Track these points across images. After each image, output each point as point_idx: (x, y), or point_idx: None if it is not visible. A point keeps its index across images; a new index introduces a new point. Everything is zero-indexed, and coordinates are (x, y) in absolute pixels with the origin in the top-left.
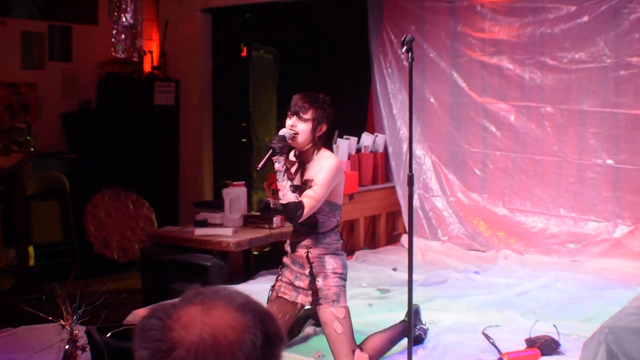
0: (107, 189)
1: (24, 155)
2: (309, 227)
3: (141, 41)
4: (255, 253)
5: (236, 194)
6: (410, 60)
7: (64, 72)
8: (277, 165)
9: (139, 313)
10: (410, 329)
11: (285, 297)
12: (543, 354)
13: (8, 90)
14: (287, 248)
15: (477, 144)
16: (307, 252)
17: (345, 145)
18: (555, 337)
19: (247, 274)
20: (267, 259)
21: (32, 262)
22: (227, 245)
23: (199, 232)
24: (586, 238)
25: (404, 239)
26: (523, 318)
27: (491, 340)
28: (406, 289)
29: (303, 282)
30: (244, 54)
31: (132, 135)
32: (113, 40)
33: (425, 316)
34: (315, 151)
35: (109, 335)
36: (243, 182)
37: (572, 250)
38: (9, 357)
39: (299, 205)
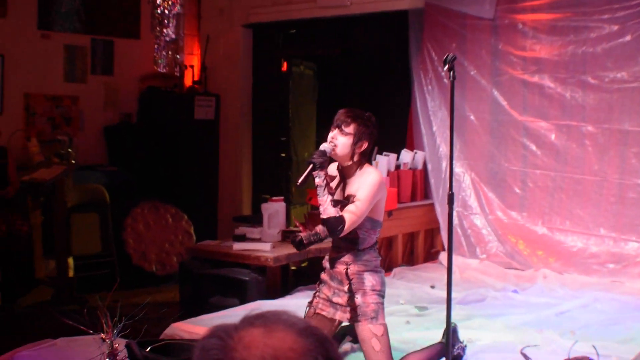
0: (146, 202)
1: (65, 168)
2: (349, 243)
3: (182, 56)
4: (293, 268)
5: (275, 209)
6: (452, 79)
7: (105, 85)
8: (317, 180)
9: (178, 327)
10: (449, 349)
11: (323, 313)
12: None
13: (50, 102)
14: (326, 264)
15: (517, 162)
16: (347, 268)
17: (384, 161)
18: (595, 358)
19: (285, 289)
20: (305, 274)
21: (71, 273)
22: (265, 260)
23: (238, 246)
24: (626, 258)
25: (442, 256)
26: (562, 338)
27: None
28: (444, 306)
29: (341, 299)
30: (284, 69)
31: (172, 148)
32: (155, 54)
33: (463, 335)
34: (358, 168)
35: (148, 349)
36: (282, 197)
37: (612, 271)
38: None
39: (340, 220)
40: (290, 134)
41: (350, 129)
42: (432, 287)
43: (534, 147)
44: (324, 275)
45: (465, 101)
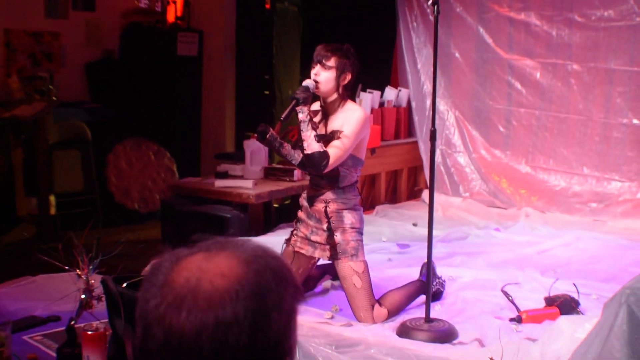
0: (129, 139)
1: (46, 104)
2: (329, 181)
3: None
4: (276, 205)
5: (257, 146)
6: (435, 14)
7: (87, 21)
8: (300, 116)
9: None
10: (429, 285)
11: (302, 251)
12: (562, 313)
13: (31, 39)
14: (303, 202)
15: (502, 101)
16: (326, 206)
17: (368, 99)
18: (575, 296)
19: (267, 226)
20: (288, 211)
21: (53, 211)
22: (247, 197)
23: (219, 183)
24: (609, 197)
25: (425, 194)
26: (543, 276)
27: (510, 298)
28: (426, 244)
29: (320, 237)
30: (268, 5)
31: (155, 85)
32: None
33: (444, 272)
34: (342, 102)
35: (124, 285)
36: None
37: (595, 210)
38: (27, 305)
39: (324, 154)
40: (274, 71)
41: (332, 62)
42: (415, 224)
43: (519, 86)
44: (301, 214)
45: (450, 39)
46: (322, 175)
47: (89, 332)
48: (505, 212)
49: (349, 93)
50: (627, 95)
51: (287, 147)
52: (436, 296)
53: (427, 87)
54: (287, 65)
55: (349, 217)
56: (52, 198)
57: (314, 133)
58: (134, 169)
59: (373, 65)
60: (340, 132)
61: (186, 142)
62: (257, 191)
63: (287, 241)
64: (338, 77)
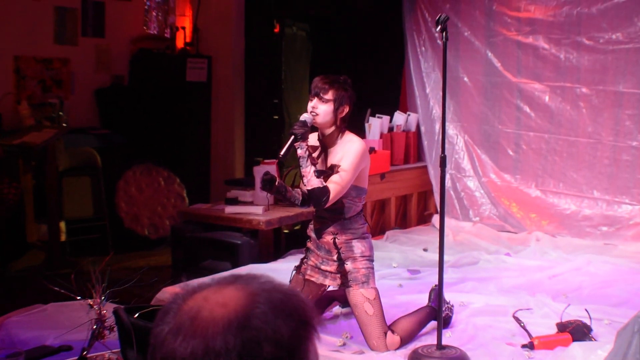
0: (138, 164)
1: (56, 131)
2: (334, 213)
3: (174, 17)
4: (286, 231)
5: None
6: (444, 40)
7: (96, 47)
8: (299, 151)
9: (169, 291)
10: (440, 312)
11: (312, 279)
12: (574, 339)
13: (41, 65)
14: (311, 234)
15: (511, 125)
16: (334, 238)
17: (377, 123)
18: (587, 321)
19: (277, 253)
20: (298, 237)
21: (63, 237)
22: (257, 224)
23: (230, 209)
24: (620, 221)
25: (435, 219)
26: (554, 302)
27: (522, 324)
28: (436, 269)
29: (330, 267)
30: (276, 30)
31: (164, 111)
32: (145, 16)
33: (455, 298)
34: (340, 135)
35: (136, 316)
36: (274, 160)
37: (605, 233)
38: (39, 333)
39: (325, 190)
40: (283, 96)
41: (330, 95)
42: (425, 250)
43: (527, 109)
44: (310, 244)
45: (458, 62)
46: (327, 208)
47: None
48: (516, 237)
49: (346, 125)
50: (636, 118)
51: (290, 190)
52: (446, 322)
53: (436, 111)
54: (296, 89)
55: (358, 247)
56: (62, 224)
57: (313, 168)
58: (143, 195)
59: (382, 90)
60: (339, 166)
61: (196, 167)
62: (267, 217)
63: (297, 268)
64: (336, 110)
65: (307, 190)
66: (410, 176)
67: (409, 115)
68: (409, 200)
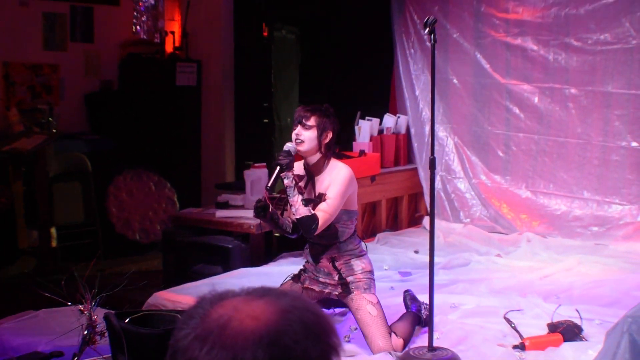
0: (129, 169)
1: (46, 137)
2: (329, 238)
3: (163, 22)
4: (277, 235)
5: (257, 176)
6: (432, 42)
7: (85, 52)
8: (286, 181)
9: (161, 295)
10: (432, 315)
11: (313, 287)
12: (565, 339)
13: (30, 71)
14: (308, 258)
15: (500, 126)
16: (332, 261)
17: (367, 126)
18: (578, 322)
19: (269, 256)
20: (289, 240)
21: (54, 243)
22: (248, 228)
23: (220, 214)
24: (610, 221)
25: (426, 221)
26: (545, 302)
27: (513, 325)
28: (428, 271)
29: (331, 281)
30: (265, 33)
31: (154, 116)
32: (134, 20)
33: (446, 299)
34: (326, 162)
35: (127, 321)
36: (265, 164)
37: (596, 234)
38: (30, 340)
39: (313, 218)
40: (273, 99)
41: (312, 121)
42: (416, 252)
43: (517, 110)
44: (308, 266)
45: (448, 64)
46: (321, 234)
47: None
48: (507, 238)
49: (332, 152)
50: (625, 118)
51: (282, 218)
52: (425, 322)
53: (426, 113)
54: (286, 93)
55: (358, 264)
56: (52, 230)
57: (300, 197)
58: (134, 199)
59: (371, 93)
60: (326, 195)
61: (186, 172)
62: (258, 221)
63: (296, 278)
64: (319, 136)
65: (296, 218)
66: (400, 178)
67: (398, 117)
68: (400, 203)
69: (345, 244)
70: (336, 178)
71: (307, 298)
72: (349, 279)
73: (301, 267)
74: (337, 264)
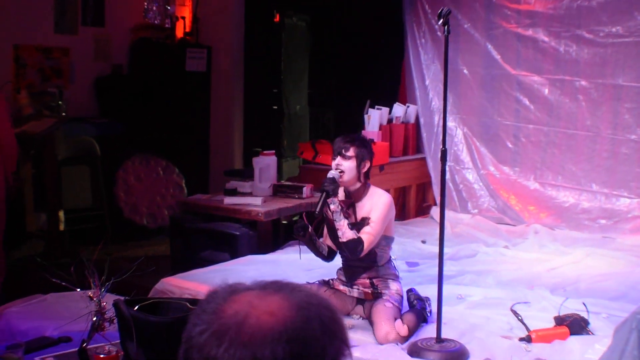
0: (137, 154)
1: (55, 120)
2: (368, 262)
3: (174, 7)
4: (285, 222)
5: (266, 163)
6: (446, 33)
7: (96, 36)
8: (332, 207)
9: (168, 282)
10: (440, 307)
11: (339, 288)
12: (572, 333)
13: (40, 54)
14: (340, 276)
15: (510, 117)
16: (371, 280)
17: (376, 115)
18: (585, 315)
19: (276, 244)
20: None
21: (62, 226)
22: (256, 215)
23: (229, 201)
24: (618, 214)
25: (434, 211)
26: (552, 295)
27: (519, 317)
28: (435, 262)
29: (363, 288)
30: (276, 20)
31: (164, 101)
32: (145, 5)
33: (453, 291)
34: (365, 189)
35: (136, 308)
36: (273, 151)
37: (604, 226)
38: (39, 324)
39: (359, 241)
40: (282, 86)
41: (351, 152)
42: (424, 242)
43: (527, 102)
44: (335, 282)
45: (458, 55)
46: (360, 258)
47: (102, 356)
48: (514, 229)
49: (369, 179)
50: (635, 112)
51: (319, 240)
52: (424, 318)
53: (436, 103)
54: (296, 80)
55: (394, 285)
56: (61, 214)
57: (346, 222)
58: (142, 184)
59: (381, 82)
60: (369, 218)
61: (195, 158)
62: (266, 208)
63: (327, 284)
64: (358, 166)
65: (342, 242)
66: (408, 168)
67: (408, 107)
68: (408, 192)
69: (383, 268)
70: (377, 203)
71: (322, 293)
72: (384, 291)
73: (326, 279)
74: (375, 281)
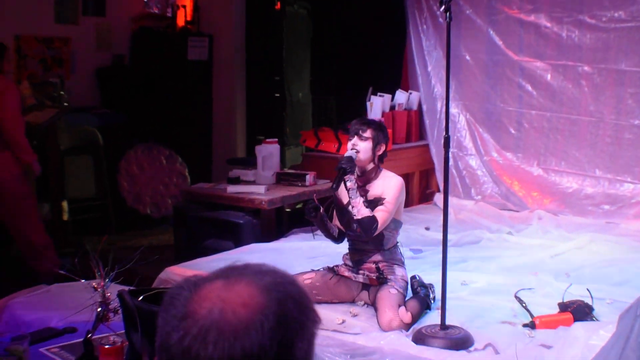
0: (140, 144)
1: (57, 110)
2: (375, 245)
3: None
4: (288, 210)
5: (269, 152)
6: (448, 20)
7: (97, 26)
8: (349, 184)
9: (172, 271)
10: (444, 293)
11: (344, 274)
12: (576, 319)
13: (42, 44)
14: (347, 262)
15: (513, 103)
16: (377, 265)
17: (379, 102)
18: (589, 301)
19: (280, 232)
20: (300, 216)
21: (65, 216)
22: (259, 203)
23: (232, 189)
24: (621, 199)
25: (437, 197)
26: (556, 281)
27: (523, 304)
28: (438, 248)
29: (369, 273)
30: (277, 7)
31: (165, 90)
32: None
33: (457, 277)
34: (377, 171)
35: (140, 298)
36: (276, 139)
37: (607, 212)
38: (43, 315)
39: (374, 219)
40: (285, 74)
41: (368, 133)
42: (427, 228)
43: (529, 88)
44: (341, 268)
45: (460, 41)
46: (367, 240)
47: (107, 346)
48: (518, 215)
49: (382, 162)
50: (638, 96)
51: (329, 222)
52: (429, 305)
53: (438, 89)
54: (297, 68)
55: (400, 270)
56: (64, 204)
57: (362, 199)
58: (145, 174)
59: (383, 68)
60: (383, 198)
61: (197, 146)
62: (269, 197)
63: (332, 270)
64: (374, 148)
65: (357, 219)
66: (412, 155)
67: (410, 93)
68: (411, 179)
69: (389, 252)
70: (390, 184)
71: (280, 269)
72: (389, 277)
73: (331, 266)
74: (381, 265)
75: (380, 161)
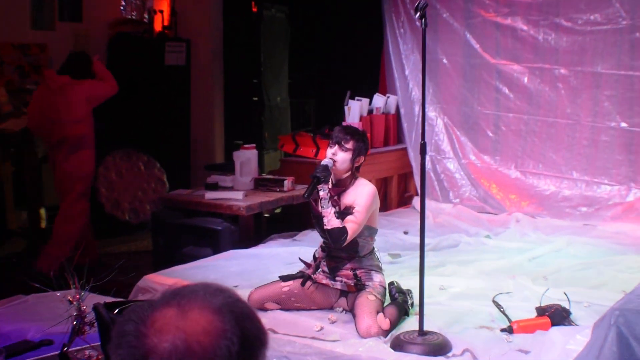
0: (118, 149)
1: None
2: (350, 252)
3: (151, 0)
4: (267, 215)
5: (247, 157)
6: (423, 26)
7: (74, 32)
8: (322, 193)
9: (150, 278)
10: (422, 299)
11: (322, 282)
12: (553, 323)
13: (18, 51)
14: (322, 280)
15: (490, 106)
16: (354, 272)
17: (357, 106)
18: (566, 305)
19: (258, 238)
20: (279, 221)
21: (43, 224)
22: (237, 209)
23: (210, 195)
24: (599, 201)
25: (416, 201)
26: (534, 284)
27: (501, 309)
28: (417, 253)
29: (347, 280)
30: (255, 11)
31: (143, 95)
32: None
33: (436, 282)
34: (352, 180)
35: (116, 311)
36: (254, 145)
37: (585, 214)
38: (20, 326)
39: (343, 230)
40: (263, 78)
41: (350, 145)
42: (406, 233)
43: (506, 91)
44: (325, 281)
45: (437, 44)
46: (342, 248)
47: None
48: (496, 218)
49: (358, 172)
50: (614, 99)
51: (325, 211)
52: (407, 312)
53: (416, 93)
54: (276, 72)
55: (377, 276)
56: (42, 211)
57: (334, 210)
58: (123, 180)
59: (361, 72)
60: (353, 207)
61: (175, 152)
62: (247, 203)
63: (309, 278)
64: (353, 159)
65: (326, 229)
66: (390, 158)
67: (388, 97)
68: (389, 183)
69: (365, 258)
70: (361, 193)
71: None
72: (367, 283)
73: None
74: (358, 272)
75: (356, 170)
